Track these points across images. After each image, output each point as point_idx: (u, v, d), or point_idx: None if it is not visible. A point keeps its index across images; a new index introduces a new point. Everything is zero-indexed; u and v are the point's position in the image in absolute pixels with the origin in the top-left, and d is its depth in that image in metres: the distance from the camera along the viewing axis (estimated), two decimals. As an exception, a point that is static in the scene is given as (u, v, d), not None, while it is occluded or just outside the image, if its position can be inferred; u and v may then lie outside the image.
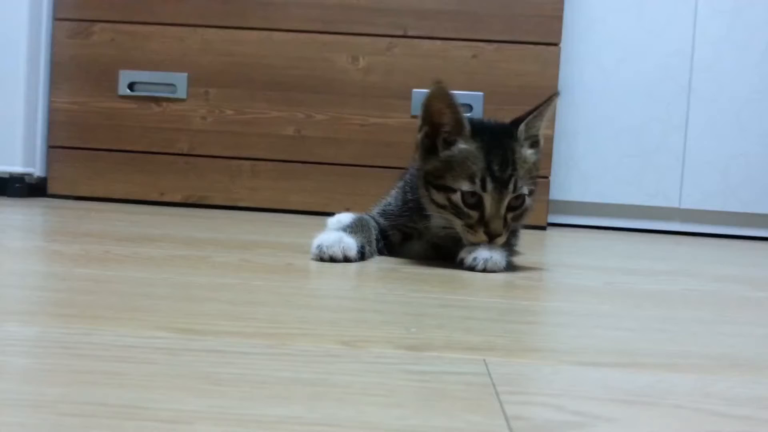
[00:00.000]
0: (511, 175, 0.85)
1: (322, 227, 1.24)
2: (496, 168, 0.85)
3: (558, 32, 1.81)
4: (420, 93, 1.82)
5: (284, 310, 0.57)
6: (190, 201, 1.87)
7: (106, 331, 0.45)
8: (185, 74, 1.85)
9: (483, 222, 0.86)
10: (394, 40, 1.83)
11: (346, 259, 0.87)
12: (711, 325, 0.63)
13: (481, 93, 1.81)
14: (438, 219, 0.91)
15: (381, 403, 0.34)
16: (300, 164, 1.86)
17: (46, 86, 1.87)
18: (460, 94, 1.82)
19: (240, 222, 1.48)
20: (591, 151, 1.99)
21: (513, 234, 1.02)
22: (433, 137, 0.90)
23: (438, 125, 0.90)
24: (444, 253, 0.94)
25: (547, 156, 1.83)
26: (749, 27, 1.95)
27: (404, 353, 0.44)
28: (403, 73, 1.83)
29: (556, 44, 1.81)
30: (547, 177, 1.84)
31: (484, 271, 0.86)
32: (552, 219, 1.99)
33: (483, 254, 0.86)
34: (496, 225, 0.85)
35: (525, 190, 0.87)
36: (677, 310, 0.70)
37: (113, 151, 1.88)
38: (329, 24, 1.84)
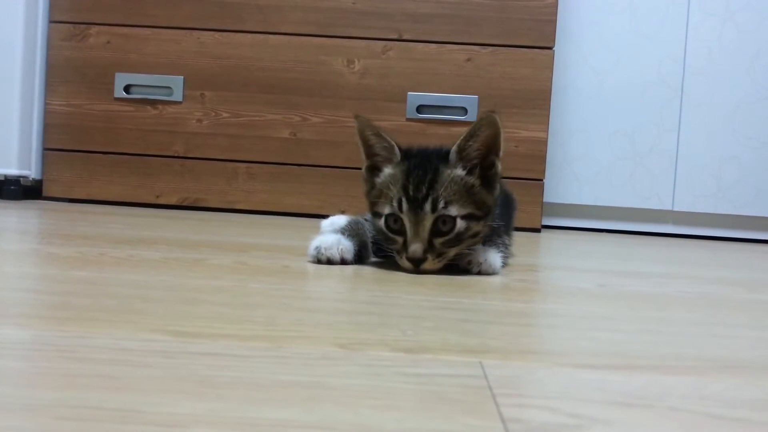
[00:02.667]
0: (427, 194, 0.82)
1: (318, 230, 1.24)
2: (411, 188, 0.82)
3: (552, 36, 1.81)
4: (415, 96, 1.83)
5: (280, 312, 0.57)
6: (185, 203, 1.87)
7: (102, 334, 0.45)
8: (181, 77, 1.85)
9: (405, 247, 0.83)
10: (390, 43, 1.83)
11: (344, 262, 0.87)
12: (705, 327, 0.63)
13: (475, 96, 1.82)
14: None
15: (378, 406, 0.34)
16: (295, 167, 1.86)
17: (42, 89, 1.86)
18: (454, 98, 1.83)
19: (236, 224, 1.48)
20: (584, 154, 2.00)
21: (507, 235, 1.02)
22: (371, 170, 0.91)
23: (374, 155, 0.90)
24: None
25: (541, 159, 1.83)
26: (741, 31, 1.97)
27: (401, 356, 0.44)
28: (398, 77, 1.83)
29: (550, 48, 1.82)
30: (541, 180, 1.84)
31: (479, 273, 0.86)
32: (546, 221, 1.99)
33: (477, 257, 0.86)
34: (414, 248, 0.81)
35: (453, 212, 0.82)
36: (671, 312, 0.70)
37: (109, 154, 1.87)
38: (325, 27, 1.84)
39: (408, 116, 1.83)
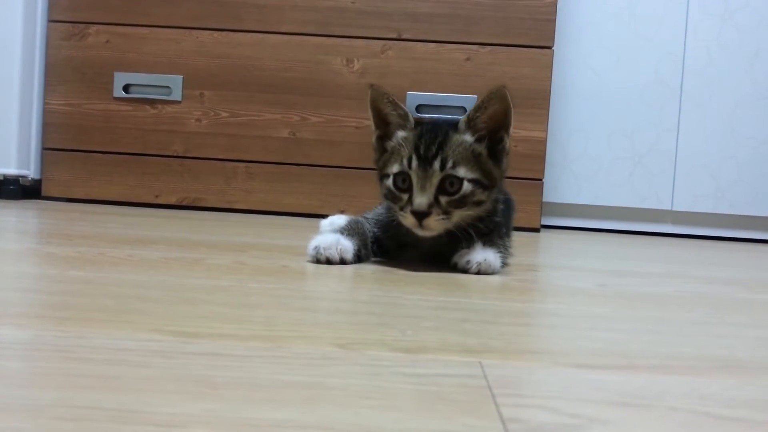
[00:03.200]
0: (436, 153, 0.84)
1: (317, 229, 1.24)
2: (422, 147, 0.85)
3: (551, 36, 1.81)
4: (414, 95, 1.83)
5: (279, 312, 0.57)
6: (184, 203, 1.87)
7: (101, 334, 0.45)
8: (180, 76, 1.85)
9: (410, 201, 0.85)
10: (389, 42, 1.83)
11: (343, 261, 0.87)
12: (705, 326, 0.63)
13: (474, 96, 1.82)
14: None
15: (377, 406, 0.34)
16: (295, 166, 1.86)
17: (41, 88, 1.86)
18: (453, 97, 1.82)
19: (235, 224, 1.48)
20: (583, 153, 2.00)
21: (507, 236, 1.02)
22: (381, 139, 0.93)
23: (387, 125, 0.92)
24: (440, 259, 0.93)
25: (540, 159, 1.83)
26: (740, 31, 1.97)
27: (400, 356, 0.44)
28: (397, 76, 1.83)
29: (549, 47, 1.82)
30: (540, 179, 1.84)
31: (477, 273, 0.86)
32: (545, 221, 1.99)
33: (476, 257, 0.86)
34: (420, 201, 0.83)
35: (460, 173, 0.85)
36: (671, 311, 0.70)
37: (108, 153, 1.87)
38: (324, 27, 1.84)
39: (407, 116, 1.83)
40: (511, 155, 0.93)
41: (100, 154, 1.87)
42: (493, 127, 0.88)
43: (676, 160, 1.99)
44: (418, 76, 1.83)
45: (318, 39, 1.84)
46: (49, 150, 1.87)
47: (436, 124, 0.90)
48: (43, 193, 1.87)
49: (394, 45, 1.83)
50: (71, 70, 1.86)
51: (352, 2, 1.83)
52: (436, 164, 0.84)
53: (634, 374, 0.44)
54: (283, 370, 0.40)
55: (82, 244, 0.94)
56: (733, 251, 1.64)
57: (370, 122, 0.94)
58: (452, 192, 0.85)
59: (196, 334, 0.47)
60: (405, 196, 0.86)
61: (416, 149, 0.85)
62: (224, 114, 1.85)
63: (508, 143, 0.90)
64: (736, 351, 0.54)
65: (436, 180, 0.84)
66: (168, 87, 1.85)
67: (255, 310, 0.57)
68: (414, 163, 0.85)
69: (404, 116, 0.91)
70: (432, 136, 0.86)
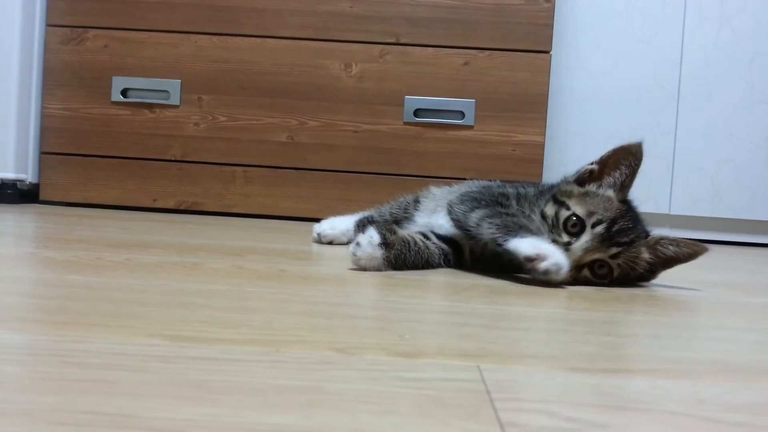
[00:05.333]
0: (621, 245, 0.85)
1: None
2: (615, 228, 0.86)
3: (549, 40, 1.82)
4: (412, 100, 1.83)
5: (278, 316, 0.57)
6: (182, 207, 1.87)
7: (99, 338, 0.45)
8: (178, 81, 1.85)
9: (568, 246, 0.85)
10: (387, 47, 1.84)
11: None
12: (703, 330, 0.63)
13: (472, 100, 1.82)
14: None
15: (375, 411, 0.34)
16: (293, 170, 1.86)
17: (39, 92, 1.86)
18: (451, 102, 1.83)
19: (233, 228, 1.48)
20: (581, 157, 1.98)
21: None
22: (591, 176, 0.93)
23: (607, 173, 0.92)
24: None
25: (538, 162, 1.84)
26: (737, 34, 1.97)
27: (398, 360, 0.44)
28: (395, 80, 1.84)
29: (547, 52, 1.82)
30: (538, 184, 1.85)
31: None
32: (544, 225, 2.00)
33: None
34: (576, 256, 0.84)
35: (616, 270, 0.86)
36: (668, 315, 0.70)
37: (106, 158, 1.87)
38: (322, 31, 1.84)
39: (405, 120, 1.83)
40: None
41: (98, 159, 1.87)
42: (665, 261, 0.91)
43: (673, 164, 2.00)
44: (416, 80, 1.83)
45: (316, 43, 1.84)
46: (47, 154, 1.87)
47: (638, 219, 0.90)
48: (41, 197, 1.87)
49: (392, 49, 1.83)
50: (69, 75, 1.86)
51: (351, 7, 1.83)
52: (612, 249, 0.85)
53: (632, 378, 0.44)
54: (282, 374, 0.40)
55: (80, 248, 0.94)
56: (731, 255, 1.64)
57: (605, 156, 0.92)
58: (599, 274, 0.87)
59: (194, 338, 0.47)
60: (566, 238, 0.86)
61: (613, 222, 0.86)
62: (222, 118, 1.85)
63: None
64: (735, 355, 0.54)
65: (598, 256, 0.85)
66: (166, 91, 1.85)
67: (253, 314, 0.57)
68: (599, 230, 0.85)
69: (626, 185, 0.91)
70: (626, 228, 0.86)
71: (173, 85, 1.85)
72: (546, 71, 1.82)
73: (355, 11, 1.83)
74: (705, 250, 0.90)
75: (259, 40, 1.84)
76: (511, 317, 0.64)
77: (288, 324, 0.54)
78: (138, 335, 0.47)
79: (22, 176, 1.83)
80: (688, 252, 0.90)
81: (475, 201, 0.93)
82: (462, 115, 1.82)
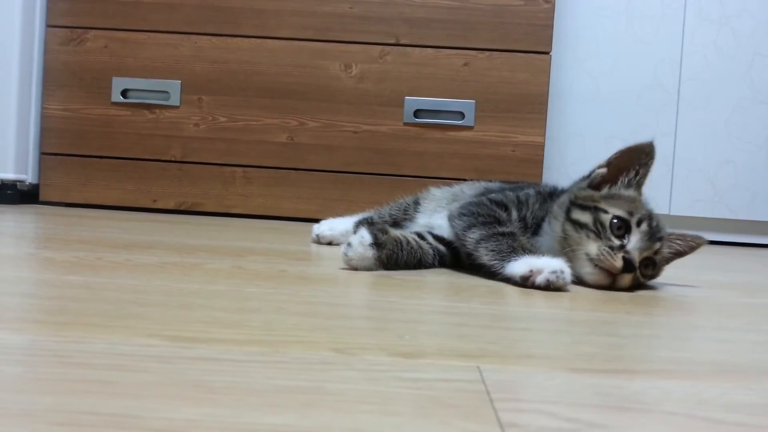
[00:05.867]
0: (659, 240, 0.88)
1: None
2: (654, 225, 0.88)
3: (548, 41, 1.82)
4: (412, 100, 1.83)
5: (277, 317, 0.57)
6: (182, 208, 1.87)
7: (99, 338, 0.45)
8: (178, 81, 1.85)
9: (624, 249, 0.85)
10: (387, 48, 1.84)
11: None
12: (703, 331, 0.63)
13: (472, 101, 1.82)
14: (549, 240, 0.91)
15: (375, 411, 0.34)
16: (293, 171, 1.86)
17: (39, 93, 1.86)
18: (451, 102, 1.83)
19: (233, 229, 1.48)
20: (581, 158, 2.00)
21: None
22: (604, 179, 0.94)
23: (619, 173, 0.93)
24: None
25: (538, 163, 1.84)
26: (737, 35, 1.97)
27: (398, 360, 0.44)
28: (395, 81, 1.84)
29: (546, 53, 1.82)
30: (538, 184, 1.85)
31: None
32: (544, 226, 2.00)
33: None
34: (634, 255, 0.84)
35: (657, 262, 0.89)
36: (669, 316, 0.71)
37: (106, 158, 1.87)
38: (322, 32, 1.84)
39: (405, 120, 1.83)
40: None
41: (98, 159, 1.87)
42: (673, 255, 0.94)
43: (673, 165, 2.00)
44: (416, 81, 1.84)
45: (316, 44, 1.84)
46: (46, 155, 1.87)
47: (654, 216, 0.91)
48: (41, 197, 1.87)
49: (392, 50, 1.84)
50: (69, 75, 1.86)
51: (350, 8, 1.83)
52: (655, 246, 0.87)
53: (633, 378, 0.44)
54: (281, 374, 0.40)
55: (80, 248, 0.94)
56: (731, 255, 1.64)
57: (613, 158, 0.94)
58: (645, 271, 0.88)
59: (193, 338, 0.47)
60: (617, 242, 0.85)
61: (651, 219, 0.88)
62: (222, 119, 1.85)
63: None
64: (734, 355, 0.54)
65: (647, 254, 0.87)
66: (166, 92, 1.85)
67: (253, 314, 0.57)
68: (644, 226, 0.87)
69: (641, 183, 0.93)
70: (658, 224, 0.89)
71: (173, 86, 1.85)
72: (546, 72, 1.82)
73: (355, 12, 1.83)
74: (704, 241, 0.96)
75: (259, 40, 1.85)
76: (511, 317, 0.64)
77: (287, 324, 0.54)
78: (137, 335, 0.47)
79: (22, 177, 1.83)
80: (691, 245, 0.95)
81: (473, 216, 0.93)
82: (462, 115, 1.82)
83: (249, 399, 0.35)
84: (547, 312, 0.70)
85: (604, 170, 0.94)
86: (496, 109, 1.82)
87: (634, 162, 0.92)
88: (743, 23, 1.97)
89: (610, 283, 0.84)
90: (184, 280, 0.72)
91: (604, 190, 0.93)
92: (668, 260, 0.94)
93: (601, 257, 0.84)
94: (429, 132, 1.83)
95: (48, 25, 1.85)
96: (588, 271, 0.85)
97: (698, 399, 0.40)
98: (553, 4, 1.81)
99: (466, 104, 1.82)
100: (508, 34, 1.82)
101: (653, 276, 0.90)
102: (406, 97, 1.83)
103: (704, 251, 1.05)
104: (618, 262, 0.83)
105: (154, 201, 1.87)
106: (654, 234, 0.87)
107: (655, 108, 1.99)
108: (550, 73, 1.83)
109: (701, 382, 0.44)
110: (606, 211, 0.87)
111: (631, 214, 0.87)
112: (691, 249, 0.95)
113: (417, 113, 1.83)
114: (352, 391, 0.37)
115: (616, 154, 0.93)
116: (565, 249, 0.87)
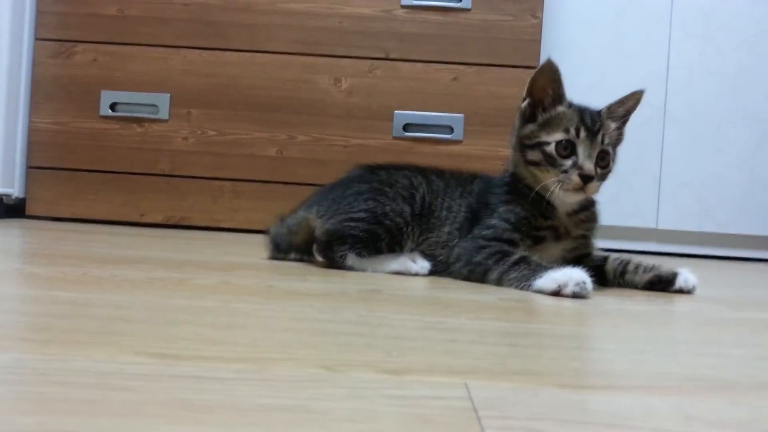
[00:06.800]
0: (599, 128, 0.97)
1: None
2: (588, 121, 0.97)
3: (536, 55, 1.84)
4: (401, 114, 1.84)
5: (265, 333, 0.56)
6: (170, 222, 1.86)
7: (83, 356, 0.45)
8: (167, 95, 1.85)
9: (577, 166, 0.95)
10: (376, 62, 1.85)
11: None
12: (690, 346, 0.64)
13: (461, 115, 1.83)
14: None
15: (362, 430, 0.34)
16: (282, 185, 1.86)
17: (27, 106, 1.85)
18: (440, 117, 1.84)
19: (221, 243, 1.47)
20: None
21: None
22: (533, 107, 1.02)
23: (541, 97, 1.01)
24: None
25: (528, 177, 1.84)
26: (721, 51, 2.00)
27: (385, 377, 0.44)
28: (384, 95, 1.85)
29: (534, 67, 1.83)
30: (527, 198, 1.86)
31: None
32: (533, 239, 2.00)
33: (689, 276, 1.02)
34: (589, 166, 0.94)
35: (610, 150, 0.99)
36: (656, 330, 0.71)
37: (94, 172, 1.86)
38: (312, 46, 1.85)
39: (395, 135, 1.84)
40: None
41: (85, 173, 1.86)
42: (623, 120, 1.03)
43: (660, 179, 2.01)
44: (405, 95, 1.84)
45: (306, 58, 1.85)
46: (34, 168, 1.86)
47: (586, 106, 1.01)
48: (28, 212, 1.86)
49: (381, 64, 1.85)
50: (58, 89, 1.85)
51: (340, 22, 1.84)
52: (599, 138, 0.96)
53: (620, 394, 0.44)
54: (267, 392, 0.39)
55: (66, 264, 0.93)
56: (718, 269, 1.65)
57: (523, 90, 1.02)
58: (603, 165, 0.98)
59: (179, 356, 0.46)
60: (568, 162, 0.95)
61: (583, 122, 0.96)
62: (211, 132, 1.85)
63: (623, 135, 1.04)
64: (723, 371, 0.54)
65: (596, 152, 0.96)
66: (155, 105, 1.85)
67: (240, 331, 0.56)
68: (582, 133, 0.96)
69: (562, 95, 1.00)
70: (593, 114, 0.99)
71: (162, 99, 1.85)
72: (534, 87, 1.83)
73: (344, 26, 1.84)
74: (641, 92, 1.02)
75: (248, 54, 1.85)
76: (499, 333, 0.64)
77: (275, 341, 0.53)
78: (122, 353, 0.46)
79: (8, 191, 1.81)
80: (632, 102, 1.02)
81: (484, 252, 0.98)
82: (451, 129, 1.83)
83: (235, 418, 0.34)
84: (534, 327, 0.70)
85: (527, 101, 1.02)
86: (484, 123, 1.83)
87: (547, 80, 1.00)
88: (728, 39, 2.00)
89: (584, 194, 0.96)
90: (170, 295, 0.72)
91: (540, 118, 1.01)
92: (619, 129, 1.02)
93: (563, 185, 0.95)
94: (418, 146, 1.84)
95: (37, 38, 1.85)
96: (562, 195, 0.97)
97: (685, 415, 0.40)
98: (541, 20, 1.83)
99: (455, 118, 1.83)
100: (497, 49, 1.84)
101: (614, 154, 1.00)
102: (396, 111, 1.84)
103: (687, 265, 1.07)
104: (576, 180, 0.94)
105: (142, 215, 1.86)
106: (594, 130, 0.96)
107: (642, 122, 2.01)
108: (538, 87, 1.84)
109: (689, 398, 0.44)
110: (547, 142, 0.97)
111: (567, 131, 0.96)
112: (634, 106, 1.02)
113: (406, 127, 1.84)
114: (339, 410, 0.37)
115: (528, 83, 1.02)
116: (538, 186, 0.98)
